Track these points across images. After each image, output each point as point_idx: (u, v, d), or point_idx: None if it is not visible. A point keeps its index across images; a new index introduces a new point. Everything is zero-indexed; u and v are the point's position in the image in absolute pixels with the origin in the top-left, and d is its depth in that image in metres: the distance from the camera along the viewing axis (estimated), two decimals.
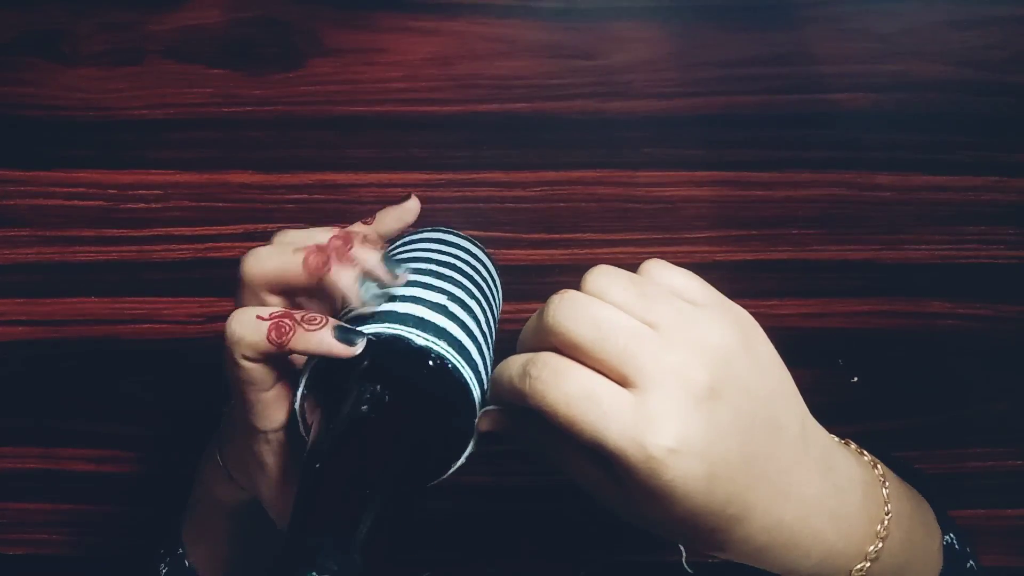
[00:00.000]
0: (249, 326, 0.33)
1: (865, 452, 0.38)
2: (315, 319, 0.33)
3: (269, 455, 0.37)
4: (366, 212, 0.56)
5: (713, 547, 0.32)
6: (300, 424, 0.35)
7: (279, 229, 0.56)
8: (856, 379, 0.58)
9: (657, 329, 0.29)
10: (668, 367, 0.28)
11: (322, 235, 0.36)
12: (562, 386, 0.28)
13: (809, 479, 0.32)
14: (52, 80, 0.55)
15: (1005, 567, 0.62)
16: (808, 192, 0.55)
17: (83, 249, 0.58)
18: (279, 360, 0.35)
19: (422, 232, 0.47)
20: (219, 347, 0.58)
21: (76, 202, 0.57)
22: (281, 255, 0.35)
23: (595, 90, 0.54)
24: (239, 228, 0.57)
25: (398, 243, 0.46)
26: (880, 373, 0.58)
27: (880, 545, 0.34)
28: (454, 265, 0.42)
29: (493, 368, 0.39)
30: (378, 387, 0.32)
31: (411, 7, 0.53)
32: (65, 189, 0.57)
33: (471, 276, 0.42)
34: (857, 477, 0.35)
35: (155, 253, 0.57)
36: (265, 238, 0.56)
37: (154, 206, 0.57)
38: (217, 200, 0.56)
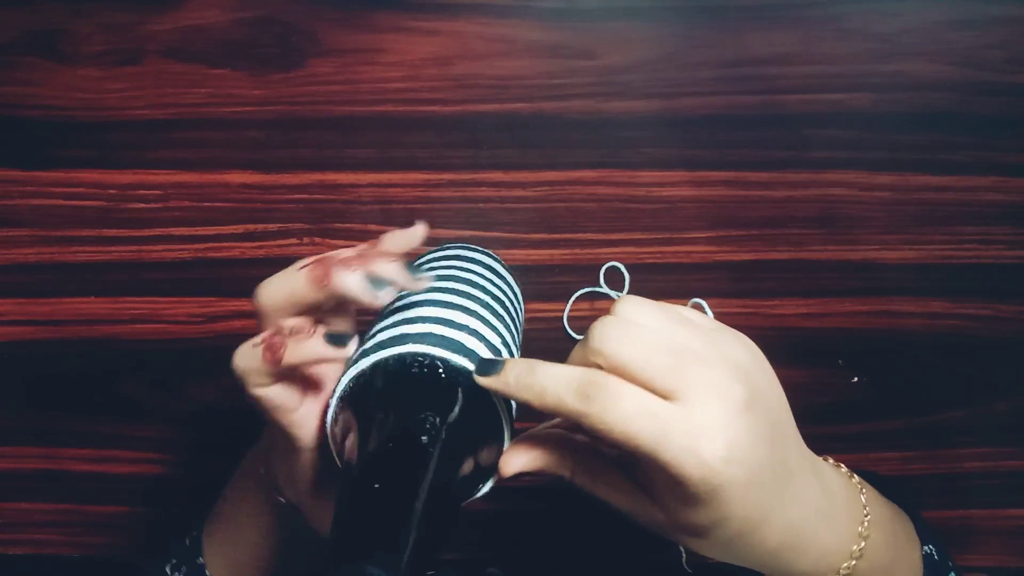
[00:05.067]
0: (247, 356, 0.34)
1: (842, 464, 0.40)
2: (302, 330, 0.34)
3: (311, 468, 0.38)
4: (366, 212, 0.56)
5: (730, 553, 0.34)
6: (331, 445, 0.35)
7: (278, 229, 0.56)
8: (856, 379, 0.58)
9: (689, 347, 0.32)
10: (710, 382, 0.31)
11: (334, 253, 0.36)
12: (620, 405, 0.30)
13: (807, 482, 0.35)
14: (52, 80, 0.55)
15: (1005, 567, 0.62)
16: (808, 192, 0.55)
17: (83, 249, 0.58)
18: (294, 380, 0.36)
19: (453, 248, 0.48)
20: (219, 347, 0.59)
21: (76, 202, 0.57)
22: (287, 276, 0.35)
23: (595, 90, 0.54)
24: (239, 228, 0.57)
25: (428, 258, 0.47)
26: (880, 373, 0.58)
27: (863, 544, 0.36)
28: (494, 295, 0.43)
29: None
30: (427, 414, 0.33)
31: (411, 7, 0.53)
32: (65, 189, 0.57)
33: (502, 302, 0.43)
34: (839, 481, 0.37)
35: (155, 253, 0.57)
36: (265, 238, 0.57)
37: (154, 206, 0.57)
38: (217, 200, 0.56)
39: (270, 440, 0.43)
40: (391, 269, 0.35)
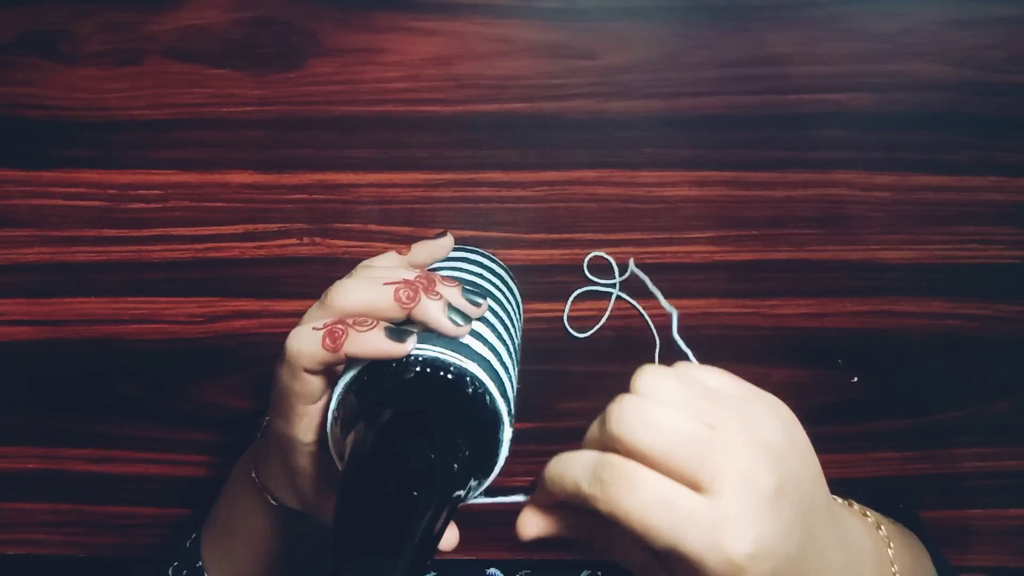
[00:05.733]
0: (307, 338, 0.34)
1: (868, 512, 0.38)
2: (365, 321, 0.34)
3: (309, 463, 0.38)
4: (366, 212, 0.56)
5: None
6: (330, 443, 0.35)
7: (278, 229, 0.56)
8: (856, 379, 0.58)
9: (716, 430, 0.29)
10: (737, 470, 0.29)
11: (403, 271, 0.37)
12: (637, 493, 0.28)
13: (835, 552, 0.33)
14: (52, 80, 0.55)
15: (1005, 567, 0.62)
16: (808, 192, 0.55)
17: (83, 249, 0.58)
18: (331, 373, 0.36)
19: (460, 250, 0.48)
20: (219, 347, 0.59)
21: (76, 202, 0.57)
22: (371, 287, 0.35)
23: (595, 90, 0.54)
24: (239, 228, 0.57)
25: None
26: (880, 373, 0.58)
27: None
28: (497, 299, 0.43)
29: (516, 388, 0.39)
30: (416, 411, 0.33)
31: (411, 7, 0.53)
32: (65, 189, 0.56)
33: (506, 309, 0.43)
34: (867, 542, 0.36)
35: (155, 253, 0.57)
36: (265, 238, 0.57)
37: (154, 206, 0.57)
38: (217, 200, 0.56)
39: (264, 440, 0.43)
40: (460, 298, 0.36)
